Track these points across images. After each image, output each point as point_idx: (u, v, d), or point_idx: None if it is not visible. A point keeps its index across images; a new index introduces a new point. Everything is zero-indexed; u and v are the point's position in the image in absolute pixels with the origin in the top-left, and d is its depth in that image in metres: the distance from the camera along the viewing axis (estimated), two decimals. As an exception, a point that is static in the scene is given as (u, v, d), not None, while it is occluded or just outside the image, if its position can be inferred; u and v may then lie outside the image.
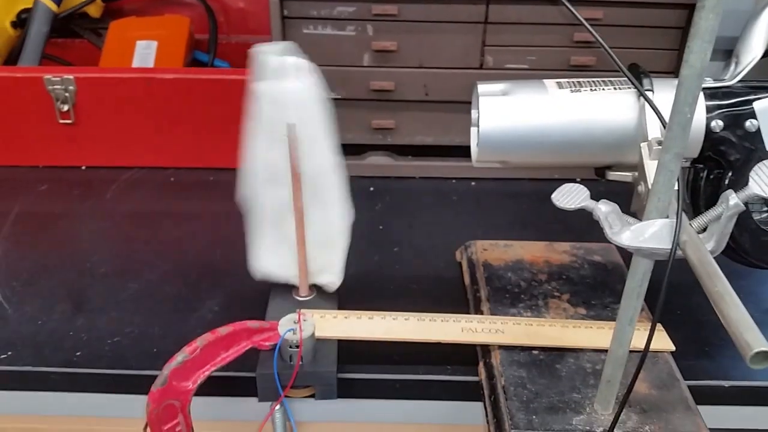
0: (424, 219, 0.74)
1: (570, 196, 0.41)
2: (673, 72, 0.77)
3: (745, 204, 0.38)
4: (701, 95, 0.47)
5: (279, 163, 0.50)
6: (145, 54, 0.83)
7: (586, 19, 0.74)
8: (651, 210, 0.37)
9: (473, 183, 0.81)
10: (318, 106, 0.48)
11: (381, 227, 0.72)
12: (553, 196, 0.42)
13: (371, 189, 0.79)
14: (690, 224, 0.37)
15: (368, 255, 0.66)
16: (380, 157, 0.82)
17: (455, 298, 0.60)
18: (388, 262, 0.66)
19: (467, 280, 0.60)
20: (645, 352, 0.37)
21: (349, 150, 0.83)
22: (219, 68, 0.88)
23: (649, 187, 0.42)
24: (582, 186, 0.42)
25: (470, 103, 0.51)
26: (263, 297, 0.55)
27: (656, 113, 0.41)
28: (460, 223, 0.73)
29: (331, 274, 0.53)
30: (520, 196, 0.77)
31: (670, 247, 0.36)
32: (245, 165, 0.51)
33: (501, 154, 0.47)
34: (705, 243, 0.37)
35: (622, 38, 0.75)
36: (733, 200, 0.37)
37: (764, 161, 0.37)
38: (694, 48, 0.33)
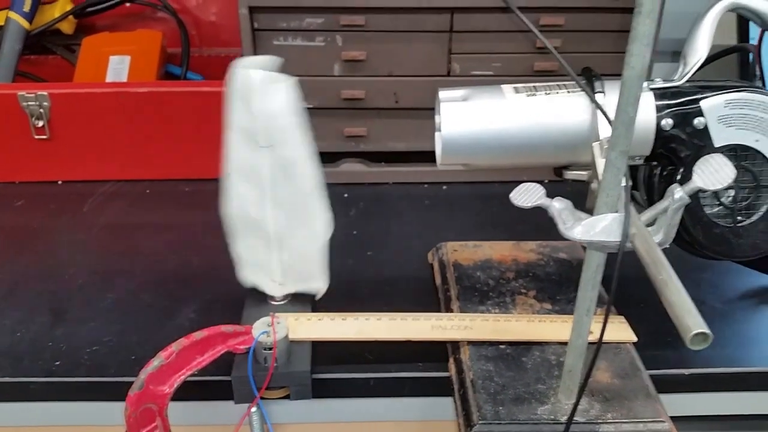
0: (397, 223, 0.75)
1: (527, 195, 0.43)
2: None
3: (691, 197, 0.40)
4: (651, 95, 0.49)
5: (260, 175, 0.51)
6: (118, 69, 0.85)
7: (548, 26, 0.78)
8: (601, 205, 0.39)
9: (445, 187, 0.83)
10: (295, 118, 0.49)
11: (355, 232, 0.73)
12: (511, 195, 0.44)
13: (345, 195, 0.81)
14: (639, 217, 0.39)
15: (342, 260, 0.68)
16: (353, 164, 0.84)
17: (427, 298, 0.61)
18: (362, 265, 0.67)
19: (438, 280, 0.62)
20: (599, 343, 0.39)
21: (323, 158, 0.85)
22: (192, 81, 0.90)
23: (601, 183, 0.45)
24: (538, 185, 0.44)
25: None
26: (239, 303, 0.56)
27: (603, 114, 0.43)
28: (433, 225, 0.75)
29: (318, 281, 0.55)
30: (490, 198, 0.79)
31: (619, 240, 0.38)
32: (226, 176, 0.52)
33: (463, 157, 0.49)
34: (653, 235, 0.39)
35: (584, 43, 0.78)
36: (678, 194, 0.39)
37: (707, 156, 0.40)
38: (634, 51, 0.35)
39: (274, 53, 0.74)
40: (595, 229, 0.38)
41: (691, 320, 0.31)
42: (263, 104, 0.48)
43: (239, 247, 0.55)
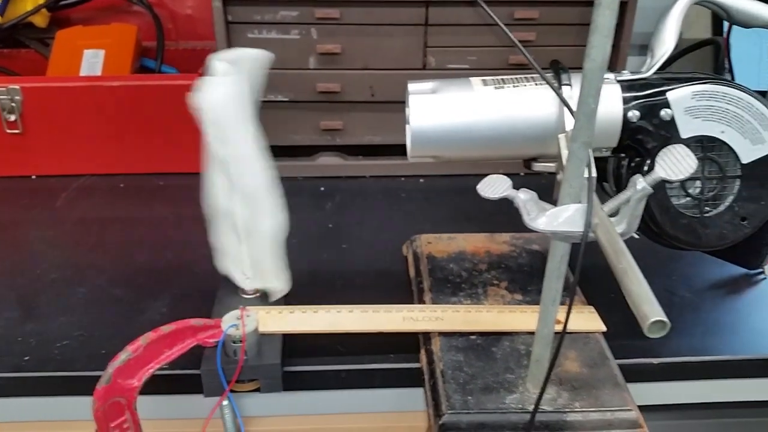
0: (373, 216, 0.76)
1: (493, 187, 0.43)
2: (608, 67, 0.81)
3: (658, 188, 0.41)
4: (618, 87, 0.49)
5: (228, 165, 0.51)
6: (92, 62, 0.84)
7: (523, 19, 0.78)
8: (564, 196, 0.39)
9: (422, 180, 0.83)
10: (239, 113, 0.49)
11: (330, 225, 0.73)
12: (478, 186, 0.44)
13: (322, 189, 0.81)
14: (602, 208, 0.40)
15: (317, 253, 0.68)
16: (330, 158, 0.84)
17: (400, 291, 0.61)
18: (337, 258, 0.67)
19: (412, 272, 0.62)
20: (563, 332, 0.39)
21: (300, 151, 0.85)
22: (166, 74, 0.89)
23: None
24: (505, 177, 0.44)
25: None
26: (212, 297, 0.56)
27: (566, 106, 0.43)
28: (409, 218, 0.75)
29: (273, 281, 0.54)
30: (466, 191, 0.78)
31: (582, 230, 0.38)
32: (206, 168, 0.52)
33: (432, 149, 0.49)
34: (616, 225, 0.40)
35: (558, 36, 0.78)
36: (640, 184, 0.39)
37: (669, 146, 0.40)
38: (594, 43, 0.35)
39: (249, 46, 0.74)
40: (559, 219, 0.39)
41: (648, 308, 0.32)
42: (204, 99, 0.48)
43: (216, 237, 0.54)
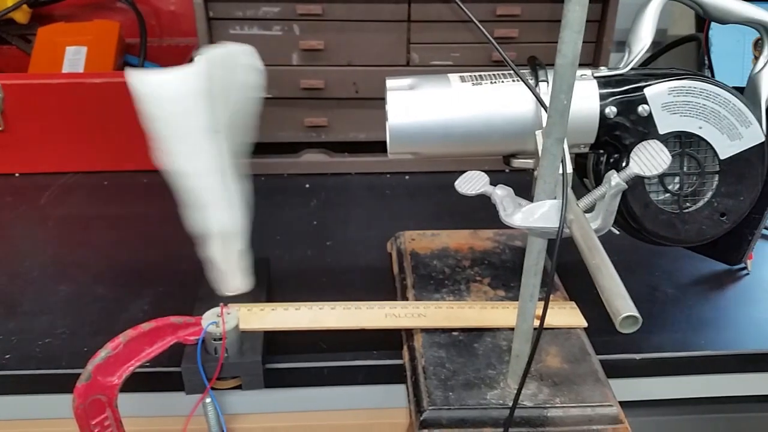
0: (358, 213, 0.76)
1: (471, 183, 0.44)
2: (591, 64, 0.81)
3: (636, 184, 0.41)
4: (595, 84, 0.50)
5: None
6: (74, 59, 0.83)
7: (505, 15, 0.78)
8: (540, 192, 0.39)
9: (407, 177, 0.83)
10: (196, 102, 0.47)
11: (315, 222, 0.73)
12: (456, 183, 0.44)
13: (307, 186, 0.81)
14: (577, 204, 0.40)
15: (300, 249, 0.68)
16: (315, 155, 0.84)
17: (384, 288, 0.62)
18: (321, 255, 0.67)
19: (395, 269, 0.62)
20: (540, 327, 0.40)
21: (284, 148, 0.85)
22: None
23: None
24: (482, 173, 0.44)
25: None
26: (194, 295, 0.56)
27: (540, 102, 0.44)
28: (394, 215, 0.75)
29: (230, 277, 0.54)
30: (451, 188, 0.78)
31: (557, 225, 0.38)
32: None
33: (410, 146, 0.50)
34: (592, 221, 0.40)
35: (540, 33, 0.78)
36: (615, 180, 0.39)
37: (644, 142, 0.40)
38: (565, 38, 0.35)
39: (231, 42, 0.74)
40: (534, 215, 0.39)
41: (620, 303, 0.32)
42: (141, 90, 0.47)
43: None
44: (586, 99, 0.49)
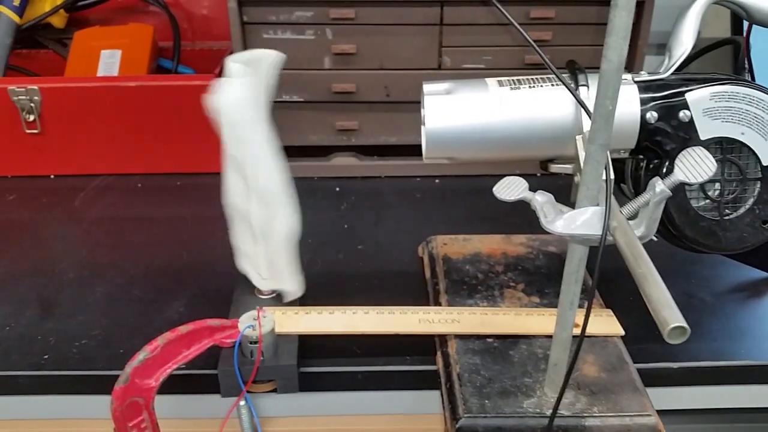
0: (388, 217, 0.76)
1: (510, 189, 0.43)
2: (625, 68, 0.80)
3: (677, 190, 0.40)
4: (635, 88, 0.49)
5: (243, 165, 0.51)
6: (109, 63, 0.84)
7: (539, 18, 0.77)
8: (582, 198, 0.39)
9: (437, 180, 0.83)
10: (254, 113, 0.49)
11: (346, 226, 0.73)
12: (494, 188, 0.44)
13: (337, 189, 0.81)
14: (620, 211, 0.39)
15: (332, 253, 0.68)
16: (345, 158, 0.84)
17: (416, 292, 0.61)
18: (352, 259, 0.67)
19: (427, 273, 0.62)
20: (582, 336, 0.39)
21: (315, 152, 0.85)
22: (182, 74, 0.90)
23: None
24: (521, 179, 0.44)
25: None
26: (228, 297, 0.57)
27: (583, 107, 0.43)
28: (424, 219, 0.75)
29: (286, 282, 0.55)
30: (482, 191, 0.78)
31: (600, 233, 0.38)
32: (225, 168, 0.52)
33: (447, 151, 0.49)
34: (635, 228, 0.39)
35: (574, 36, 0.78)
36: (659, 187, 0.39)
37: (688, 149, 0.40)
38: (611, 44, 0.35)
39: (264, 47, 0.74)
40: (576, 222, 0.38)
41: (668, 313, 0.31)
42: (219, 100, 0.48)
43: (234, 237, 0.55)
44: (627, 104, 0.48)
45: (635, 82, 0.49)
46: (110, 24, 0.93)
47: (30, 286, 0.63)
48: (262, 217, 0.52)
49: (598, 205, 0.39)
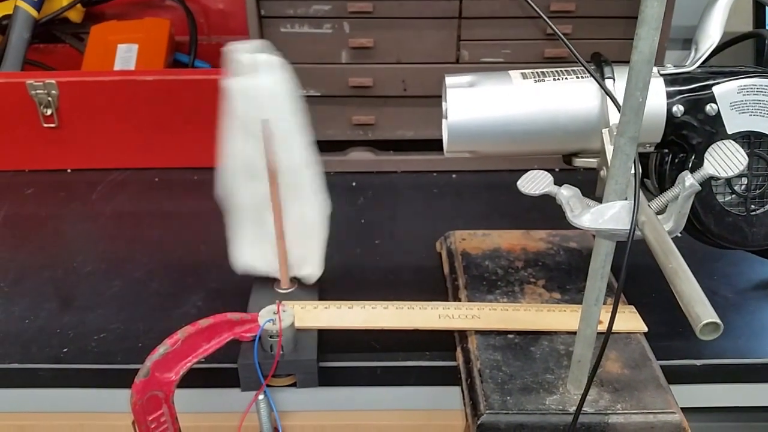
0: (405, 211, 0.75)
1: (534, 183, 0.43)
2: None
3: (703, 185, 0.40)
4: (662, 81, 0.48)
5: (255, 159, 0.51)
6: (126, 57, 0.84)
7: (559, 12, 0.77)
8: (610, 192, 0.38)
9: (454, 176, 0.82)
10: (289, 101, 0.49)
11: (363, 221, 0.73)
12: (518, 182, 0.43)
13: (353, 184, 0.80)
14: (649, 205, 0.39)
15: (350, 248, 0.67)
16: (362, 153, 0.83)
17: (435, 287, 0.61)
18: (370, 254, 0.67)
19: (446, 269, 0.62)
20: (608, 333, 0.38)
21: (331, 146, 0.85)
22: (199, 69, 0.89)
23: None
24: (545, 173, 0.43)
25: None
26: (246, 291, 0.56)
27: (612, 99, 0.42)
28: (441, 214, 0.74)
29: (310, 265, 0.55)
30: (500, 186, 0.78)
31: (628, 228, 0.37)
32: (223, 162, 0.52)
33: (470, 144, 0.49)
34: (664, 223, 0.38)
35: (594, 29, 0.77)
36: (689, 181, 0.38)
37: (719, 142, 0.39)
38: (642, 35, 0.34)
39: (282, 41, 0.74)
40: (604, 216, 0.38)
41: (701, 310, 0.31)
42: (253, 83, 0.48)
43: (234, 231, 0.54)
44: (653, 97, 0.47)
45: (661, 75, 0.49)
46: (126, 18, 0.93)
47: (48, 280, 0.63)
48: (289, 199, 0.51)
49: (625, 199, 0.38)
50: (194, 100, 0.77)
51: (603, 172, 0.46)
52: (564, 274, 0.58)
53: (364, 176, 0.82)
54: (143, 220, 0.73)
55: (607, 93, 0.42)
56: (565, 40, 0.39)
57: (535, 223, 0.66)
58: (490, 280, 0.58)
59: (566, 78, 0.49)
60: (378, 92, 0.79)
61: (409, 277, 0.63)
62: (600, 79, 0.43)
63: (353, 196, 0.78)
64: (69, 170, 0.82)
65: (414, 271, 0.64)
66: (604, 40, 0.77)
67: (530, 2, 0.41)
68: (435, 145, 0.85)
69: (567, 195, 0.40)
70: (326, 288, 0.59)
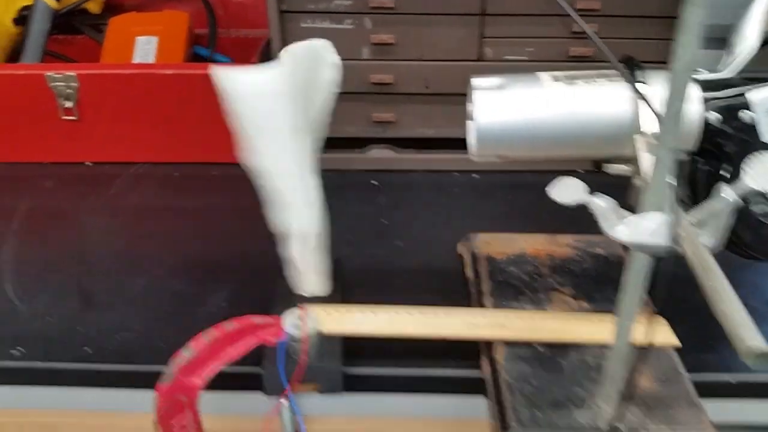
0: (426, 212, 0.74)
1: (566, 190, 0.42)
2: (663, 61, 0.77)
3: (743, 198, 0.39)
4: (696, 87, 0.47)
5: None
6: (145, 50, 0.84)
7: (584, 10, 0.75)
8: (647, 204, 0.37)
9: (475, 175, 0.81)
10: (285, 102, 0.47)
11: (384, 221, 0.72)
12: (549, 189, 0.42)
13: (373, 182, 0.80)
14: (686, 218, 0.38)
15: (371, 249, 0.67)
16: (382, 151, 0.83)
17: (458, 291, 0.60)
18: (391, 255, 0.66)
19: (470, 273, 0.61)
20: (643, 350, 0.38)
21: (351, 143, 0.84)
22: (220, 62, 0.89)
23: (646, 180, 0.43)
24: (578, 179, 0.42)
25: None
26: (269, 291, 0.56)
27: (649, 107, 0.41)
28: (463, 215, 0.73)
29: (307, 283, 0.54)
30: (523, 187, 0.77)
31: (666, 242, 0.36)
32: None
33: (498, 148, 0.48)
34: (703, 238, 0.38)
35: (620, 28, 0.75)
36: (731, 196, 0.37)
37: (757, 153, 0.38)
38: (684, 42, 0.33)
39: (302, 35, 0.73)
40: (640, 229, 0.37)
41: (746, 333, 0.30)
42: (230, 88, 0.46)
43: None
44: (690, 103, 0.46)
45: (695, 80, 0.47)
46: (146, 10, 0.93)
47: (69, 276, 0.62)
48: (281, 216, 0.50)
49: (662, 211, 0.37)
50: (214, 94, 0.76)
51: (637, 181, 0.45)
52: (591, 282, 0.57)
53: (384, 174, 0.81)
54: (163, 216, 0.73)
55: (645, 101, 0.41)
56: (600, 42, 0.38)
57: (558, 226, 0.65)
58: (515, 286, 0.57)
59: (597, 80, 0.47)
60: (399, 89, 0.78)
61: (431, 280, 0.63)
62: (636, 86, 0.42)
63: (373, 195, 0.77)
64: (88, 163, 0.82)
65: (436, 274, 0.64)
66: (630, 40, 0.75)
67: (565, 5, 0.40)
68: (456, 143, 0.84)
69: (602, 206, 0.39)
70: (349, 289, 0.58)
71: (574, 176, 0.42)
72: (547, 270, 0.58)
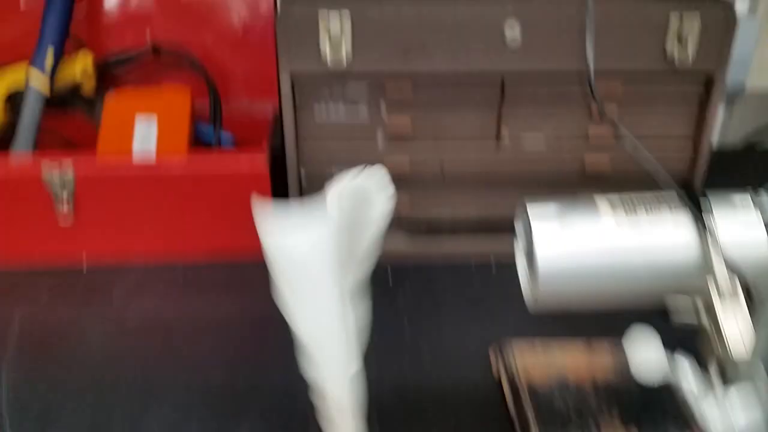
0: (448, 307, 0.70)
1: (645, 352, 0.38)
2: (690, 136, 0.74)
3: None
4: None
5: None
6: (145, 134, 0.78)
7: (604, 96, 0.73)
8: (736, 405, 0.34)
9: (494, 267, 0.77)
10: (323, 267, 0.42)
11: (406, 324, 0.68)
12: (624, 342, 0.39)
13: (388, 272, 0.75)
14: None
15: (397, 364, 0.62)
16: (395, 240, 0.78)
17: (495, 417, 0.56)
18: (419, 370, 0.62)
19: (509, 397, 0.57)
20: None
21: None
22: (227, 152, 0.82)
23: (723, 334, 0.40)
24: (652, 331, 0.39)
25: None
26: (299, 420, 0.52)
27: (726, 263, 0.38)
28: (486, 313, 0.69)
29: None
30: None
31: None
32: None
33: (561, 290, 0.44)
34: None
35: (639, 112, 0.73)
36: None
37: None
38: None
39: (315, 119, 0.70)
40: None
41: None
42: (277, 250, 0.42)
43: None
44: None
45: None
46: (143, 82, 0.87)
47: (76, 409, 0.57)
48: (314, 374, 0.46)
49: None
50: (222, 189, 0.72)
51: (709, 329, 0.42)
52: (638, 404, 0.54)
53: (398, 264, 0.77)
54: (173, 329, 0.67)
55: (717, 245, 0.37)
56: (653, 159, 0.35)
57: (588, 324, 0.61)
58: (562, 414, 0.54)
59: (658, 208, 0.44)
60: (415, 174, 0.75)
61: (465, 398, 0.59)
62: (707, 234, 0.39)
63: (390, 290, 0.72)
64: (85, 268, 0.76)
65: (470, 391, 0.59)
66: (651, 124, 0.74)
67: (629, 135, 0.37)
68: (469, 225, 0.80)
69: (692, 391, 0.36)
70: (383, 419, 0.54)
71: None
72: (590, 390, 0.55)
